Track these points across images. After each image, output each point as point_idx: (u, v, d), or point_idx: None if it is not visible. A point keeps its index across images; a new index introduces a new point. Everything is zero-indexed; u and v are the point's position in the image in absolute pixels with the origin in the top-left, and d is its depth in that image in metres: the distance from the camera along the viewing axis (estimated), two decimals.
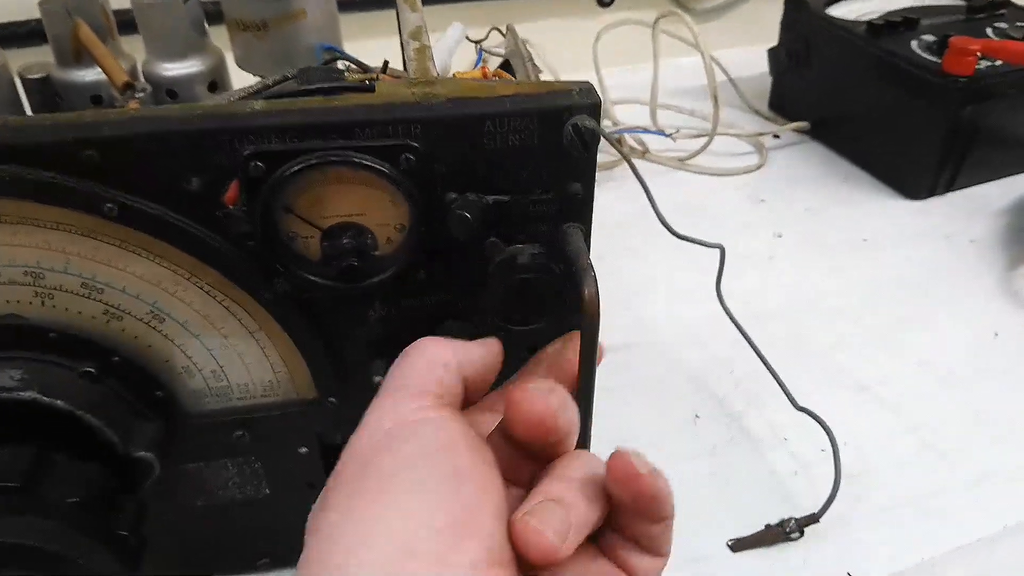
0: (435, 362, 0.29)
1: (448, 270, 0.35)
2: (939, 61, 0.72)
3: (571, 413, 0.27)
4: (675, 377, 0.58)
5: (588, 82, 0.32)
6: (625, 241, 0.70)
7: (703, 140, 0.80)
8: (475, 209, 0.31)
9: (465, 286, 0.35)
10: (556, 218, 0.34)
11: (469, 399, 0.30)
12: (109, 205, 0.30)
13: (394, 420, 0.27)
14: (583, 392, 0.34)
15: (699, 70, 0.80)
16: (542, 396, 0.26)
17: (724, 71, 0.89)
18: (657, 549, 0.27)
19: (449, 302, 0.36)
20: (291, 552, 0.43)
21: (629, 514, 0.26)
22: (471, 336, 0.35)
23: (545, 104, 0.31)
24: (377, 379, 0.37)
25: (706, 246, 0.51)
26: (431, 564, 0.22)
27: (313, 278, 0.33)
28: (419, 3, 0.40)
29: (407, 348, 0.30)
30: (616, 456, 0.25)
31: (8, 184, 0.29)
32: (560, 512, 0.25)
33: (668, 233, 0.55)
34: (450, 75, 0.40)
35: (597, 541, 0.27)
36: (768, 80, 0.91)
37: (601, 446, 0.51)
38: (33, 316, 0.33)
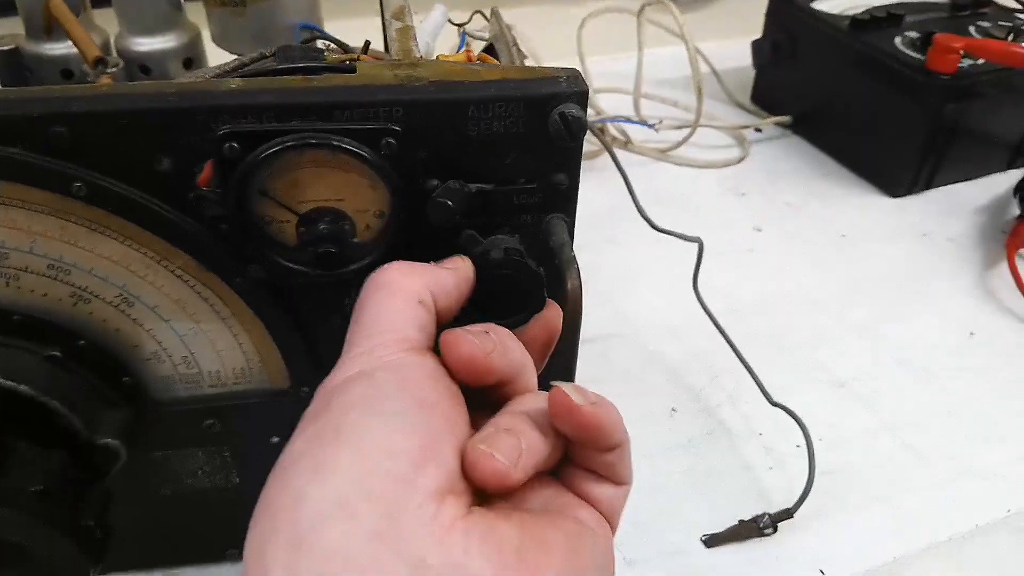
0: (410, 300, 0.27)
1: (426, 260, 0.34)
2: (922, 58, 0.72)
3: (511, 355, 0.27)
4: (653, 370, 0.57)
5: (575, 69, 0.32)
6: (605, 232, 0.70)
7: (685, 132, 0.79)
8: (457, 197, 0.31)
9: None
10: (540, 209, 0.33)
11: (440, 324, 0.29)
12: (78, 184, 0.29)
13: (360, 365, 0.26)
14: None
15: (682, 60, 0.79)
16: (471, 338, 0.26)
17: (707, 62, 0.89)
18: (616, 477, 0.27)
19: None
20: None
21: (579, 446, 0.27)
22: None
23: (531, 91, 0.30)
24: None
25: (685, 239, 0.51)
26: (392, 484, 0.22)
27: (289, 264, 0.32)
28: None
29: (372, 280, 0.28)
30: (554, 391, 0.25)
31: None
32: (510, 439, 0.25)
33: (647, 229, 0.55)
34: (434, 58, 0.39)
35: (560, 476, 0.27)
36: (751, 73, 0.91)
37: None
38: None
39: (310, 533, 0.21)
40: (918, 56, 0.73)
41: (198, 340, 0.35)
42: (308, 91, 0.29)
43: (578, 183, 0.33)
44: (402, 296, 0.28)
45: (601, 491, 0.27)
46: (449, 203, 0.30)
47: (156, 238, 0.31)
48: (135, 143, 0.29)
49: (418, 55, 0.33)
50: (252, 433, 0.38)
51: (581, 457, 0.27)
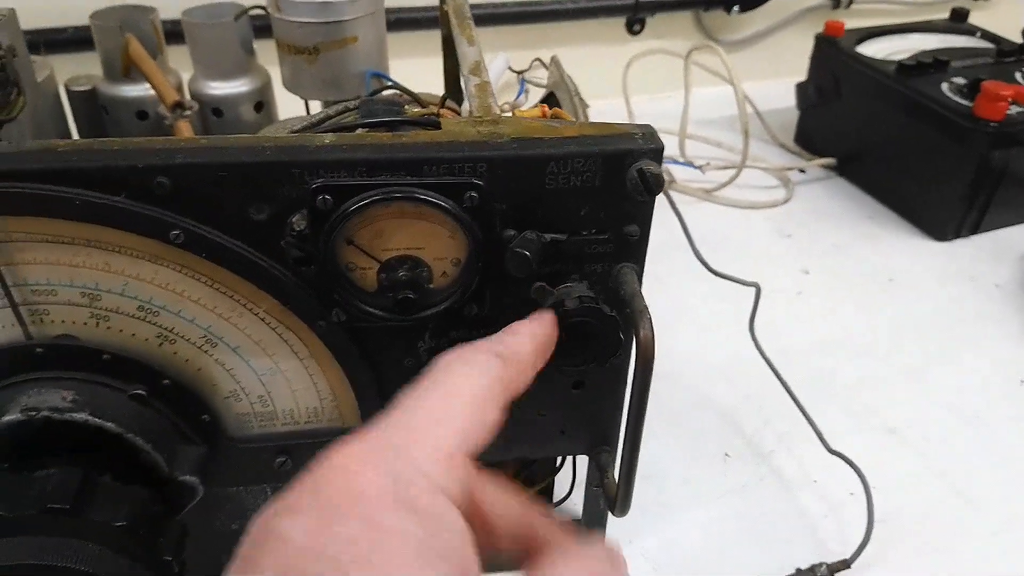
0: (458, 448, 0.25)
1: (498, 306, 0.35)
2: (969, 104, 0.72)
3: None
4: (705, 413, 0.58)
5: (650, 126, 0.33)
6: (652, 269, 0.70)
7: (730, 172, 0.80)
8: (533, 247, 0.32)
9: (515, 321, 0.35)
10: (611, 258, 0.34)
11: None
12: (175, 232, 0.30)
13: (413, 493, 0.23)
14: (631, 431, 0.34)
15: (724, 100, 0.80)
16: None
17: (751, 103, 0.89)
18: None
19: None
20: None
21: None
22: None
23: (609, 148, 0.31)
24: None
25: (743, 284, 0.52)
26: None
27: (368, 308, 0.33)
28: (475, 37, 0.41)
29: (433, 370, 0.27)
30: None
31: (77, 207, 0.29)
32: None
33: (699, 265, 0.56)
34: (502, 107, 0.40)
35: None
36: (794, 114, 0.92)
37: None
38: (87, 337, 0.33)
39: None
40: (965, 103, 0.73)
41: (275, 380, 0.36)
42: (398, 147, 0.30)
43: (648, 233, 0.33)
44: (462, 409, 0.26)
45: None
46: (527, 253, 0.31)
47: (245, 282, 0.32)
48: (233, 194, 0.30)
49: (497, 111, 0.34)
50: None
51: None
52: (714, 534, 0.49)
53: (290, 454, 0.38)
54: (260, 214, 0.30)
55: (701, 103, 0.88)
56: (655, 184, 0.31)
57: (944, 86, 0.76)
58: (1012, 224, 0.79)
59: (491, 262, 0.33)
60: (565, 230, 0.33)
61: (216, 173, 0.29)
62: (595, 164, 0.31)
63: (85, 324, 0.33)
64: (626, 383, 0.39)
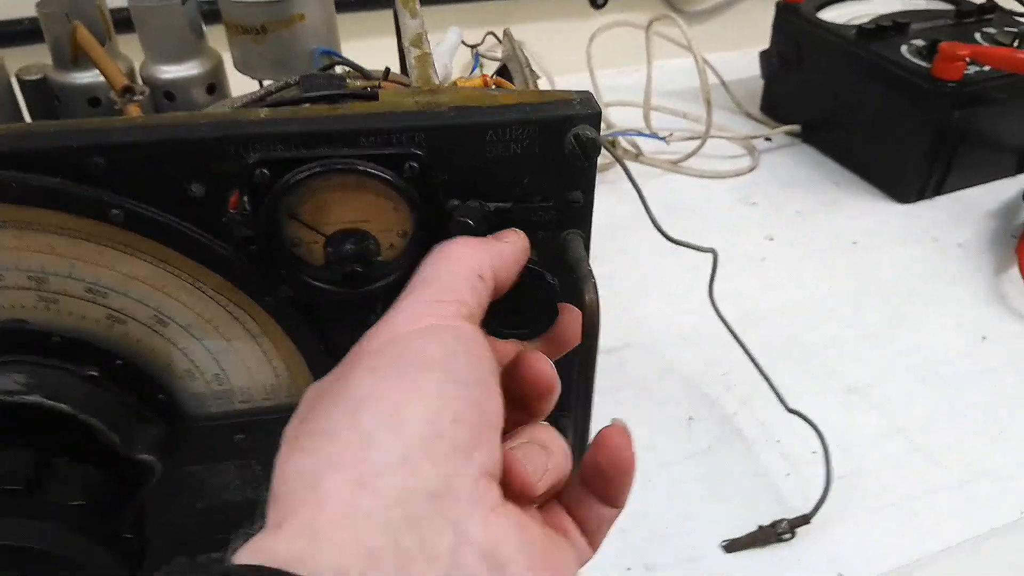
0: (472, 271, 0.28)
1: None
2: (928, 66, 0.73)
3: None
4: (669, 379, 0.58)
5: (588, 92, 0.33)
6: (618, 243, 0.71)
7: (696, 143, 0.80)
8: (476, 216, 0.32)
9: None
10: (556, 225, 0.34)
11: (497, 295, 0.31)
12: (115, 211, 0.30)
13: (433, 317, 0.26)
14: (582, 395, 0.35)
15: (691, 72, 0.81)
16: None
17: (716, 73, 0.90)
18: (617, 501, 0.29)
19: None
20: None
21: (598, 474, 0.28)
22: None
23: (547, 114, 0.31)
24: None
25: (699, 250, 0.52)
26: (454, 452, 0.23)
27: (316, 283, 0.33)
28: (418, 9, 0.41)
29: (440, 250, 0.30)
30: (615, 429, 0.28)
31: (14, 190, 0.29)
32: (542, 456, 0.26)
33: (662, 236, 0.56)
34: (451, 79, 0.41)
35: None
36: (759, 83, 0.92)
37: None
38: (36, 320, 0.33)
39: (375, 477, 0.22)
40: (924, 64, 0.73)
41: (229, 358, 0.36)
42: (334, 119, 0.30)
43: (593, 199, 0.34)
44: (467, 266, 0.29)
45: (597, 513, 0.28)
46: (469, 222, 0.31)
47: (189, 260, 0.32)
48: (169, 171, 0.30)
49: (437, 82, 0.34)
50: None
51: (594, 483, 0.28)
52: (678, 496, 0.50)
53: (248, 431, 0.38)
54: (198, 191, 0.30)
55: (667, 76, 0.88)
56: (592, 149, 0.31)
57: (903, 48, 0.76)
58: (974, 184, 0.80)
59: (437, 233, 0.33)
60: (509, 199, 0.33)
61: (152, 151, 0.29)
62: (533, 131, 0.32)
63: (34, 307, 0.33)
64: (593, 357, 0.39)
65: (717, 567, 0.46)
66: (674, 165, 0.81)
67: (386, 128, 0.30)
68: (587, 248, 0.34)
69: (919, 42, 0.77)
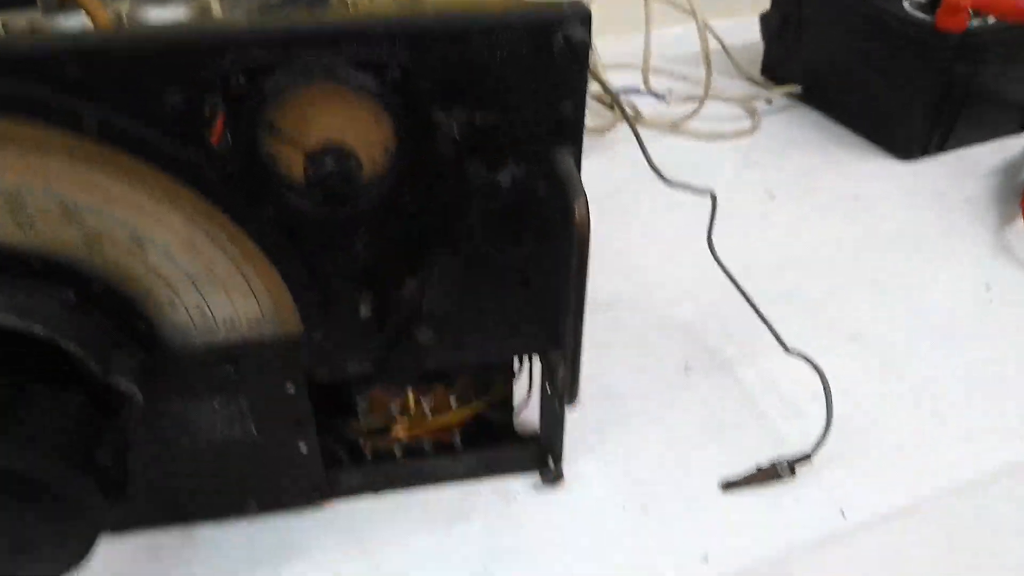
0: None
1: (433, 194, 0.34)
2: (931, 19, 0.71)
3: None
4: (666, 329, 0.57)
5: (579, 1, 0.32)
6: (616, 203, 0.70)
7: (696, 104, 0.79)
8: (463, 127, 0.31)
9: (452, 211, 0.35)
10: (546, 140, 0.33)
11: None
12: (90, 121, 0.29)
13: None
14: (574, 315, 0.34)
15: (690, 38, 0.80)
16: None
17: (716, 37, 0.88)
18: None
19: (436, 231, 0.35)
20: (280, 497, 0.43)
21: None
22: (457, 265, 0.35)
23: (535, 18, 0.31)
24: (364, 311, 0.36)
25: (697, 192, 0.51)
26: None
27: (297, 203, 0.33)
28: None
29: None
30: None
31: None
32: None
33: (660, 194, 0.55)
34: None
35: None
36: (760, 48, 0.91)
37: (594, 398, 0.51)
38: (11, 241, 0.32)
39: None
40: (927, 17, 0.72)
41: (211, 286, 0.35)
42: (314, 23, 0.29)
43: (584, 113, 0.33)
44: None
45: None
46: (455, 133, 0.31)
47: (166, 177, 0.31)
48: (145, 79, 0.29)
49: None
50: (267, 381, 0.39)
51: None
52: (675, 441, 0.49)
53: (234, 363, 0.37)
54: (174, 100, 0.30)
55: (668, 41, 0.87)
56: (582, 50, 0.30)
57: (905, 3, 0.75)
58: (978, 142, 0.79)
59: (422, 147, 0.32)
60: (497, 110, 0.32)
61: (127, 56, 0.28)
62: (521, 36, 0.31)
63: (9, 229, 0.32)
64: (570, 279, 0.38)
65: (715, 507, 0.45)
66: (673, 127, 0.80)
67: (367, 33, 0.30)
68: (578, 165, 0.33)
69: None
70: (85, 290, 0.33)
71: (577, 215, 0.31)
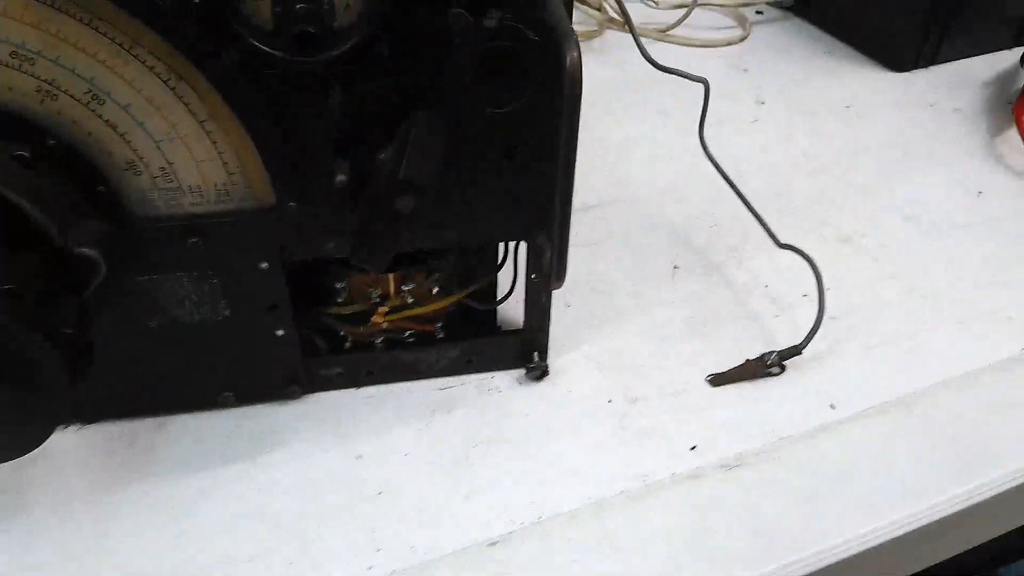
0: None
1: (412, 45, 0.32)
2: None
3: None
4: (654, 231, 0.56)
5: None
6: (603, 107, 0.68)
7: (685, 10, 0.77)
8: None
9: (431, 66, 0.32)
10: None
11: None
12: None
13: None
14: (563, 179, 0.32)
15: None
16: None
17: None
18: None
19: (416, 87, 0.33)
20: (256, 386, 0.41)
21: None
22: (438, 129, 0.33)
23: None
24: (340, 178, 0.34)
25: (690, 79, 0.49)
26: None
27: (264, 48, 0.30)
28: None
29: None
30: None
31: None
32: None
33: (649, 95, 0.53)
34: None
35: None
36: None
37: (580, 296, 0.49)
38: None
39: None
40: None
41: (175, 148, 0.33)
42: None
43: None
44: None
45: None
46: None
47: (124, 16, 0.29)
48: None
49: None
50: (239, 257, 0.37)
51: None
52: (662, 338, 0.47)
53: (202, 234, 0.35)
54: None
55: None
56: None
57: None
58: (971, 55, 0.77)
59: None
60: None
61: None
62: None
63: None
64: (558, 150, 0.36)
65: (703, 401, 0.44)
66: (662, 34, 0.78)
67: None
68: (569, 10, 0.31)
69: None
70: (38, 145, 0.31)
71: (568, 60, 0.29)
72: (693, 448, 0.41)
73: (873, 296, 0.50)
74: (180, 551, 0.37)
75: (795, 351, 0.44)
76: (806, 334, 0.45)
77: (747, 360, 0.45)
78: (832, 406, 0.44)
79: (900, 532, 0.39)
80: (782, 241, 0.49)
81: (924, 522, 0.39)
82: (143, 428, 0.42)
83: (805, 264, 0.48)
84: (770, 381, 0.45)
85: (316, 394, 0.44)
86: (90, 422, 0.42)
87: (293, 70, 0.31)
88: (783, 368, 0.45)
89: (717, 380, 0.44)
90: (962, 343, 0.47)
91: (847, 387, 0.44)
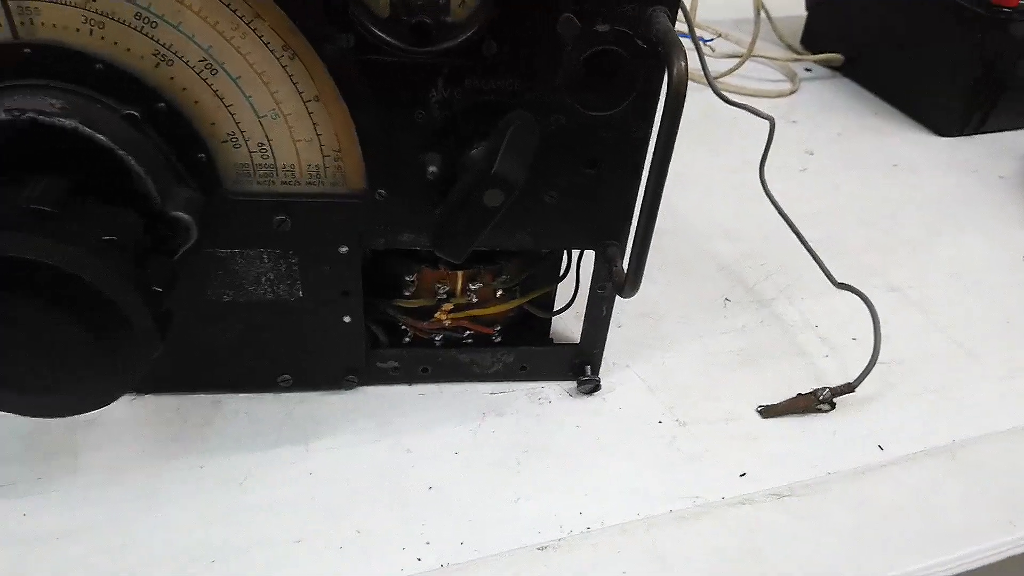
0: None
1: (519, 46, 0.33)
2: None
3: None
4: (705, 264, 0.56)
5: None
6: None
7: (738, 60, 0.78)
8: None
9: (534, 70, 0.33)
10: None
11: None
12: None
13: None
14: (654, 186, 0.33)
15: (732, 5, 0.79)
16: None
17: (760, 3, 0.88)
18: None
19: (514, 91, 0.34)
20: (315, 373, 0.42)
21: None
22: (533, 131, 0.34)
23: None
24: (432, 170, 0.35)
25: (757, 115, 0.50)
26: None
27: (380, 34, 0.31)
28: None
29: None
30: None
31: None
32: None
33: (707, 130, 0.54)
34: None
35: None
36: (800, 21, 0.90)
37: (631, 318, 0.50)
38: (79, 46, 0.31)
39: None
40: None
41: (277, 126, 0.34)
42: None
43: None
44: None
45: None
46: None
47: None
48: None
49: None
50: (321, 239, 0.37)
51: None
52: (711, 364, 0.48)
53: (289, 213, 0.36)
54: None
55: (712, 5, 0.86)
56: None
57: None
58: (1017, 128, 0.78)
59: None
60: None
61: None
62: None
63: (78, 31, 0.31)
64: (643, 163, 0.37)
65: (752, 430, 0.44)
66: (714, 80, 0.79)
67: None
68: (672, 23, 0.32)
69: None
70: (149, 107, 0.32)
71: (676, 71, 0.30)
72: (743, 475, 0.41)
73: (920, 345, 0.51)
74: (228, 527, 0.37)
75: (848, 389, 0.45)
76: (856, 375, 0.45)
77: (799, 394, 0.45)
78: (880, 447, 0.44)
79: (946, 575, 0.38)
80: (839, 281, 0.50)
81: (970, 567, 0.39)
82: (197, 403, 0.42)
83: (855, 308, 0.49)
84: (819, 417, 0.45)
85: (368, 387, 0.44)
86: (147, 393, 0.42)
87: (404, 59, 0.32)
88: (833, 405, 0.45)
89: (768, 411, 0.45)
90: (1007, 398, 0.47)
91: (895, 429, 0.45)
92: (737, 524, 0.39)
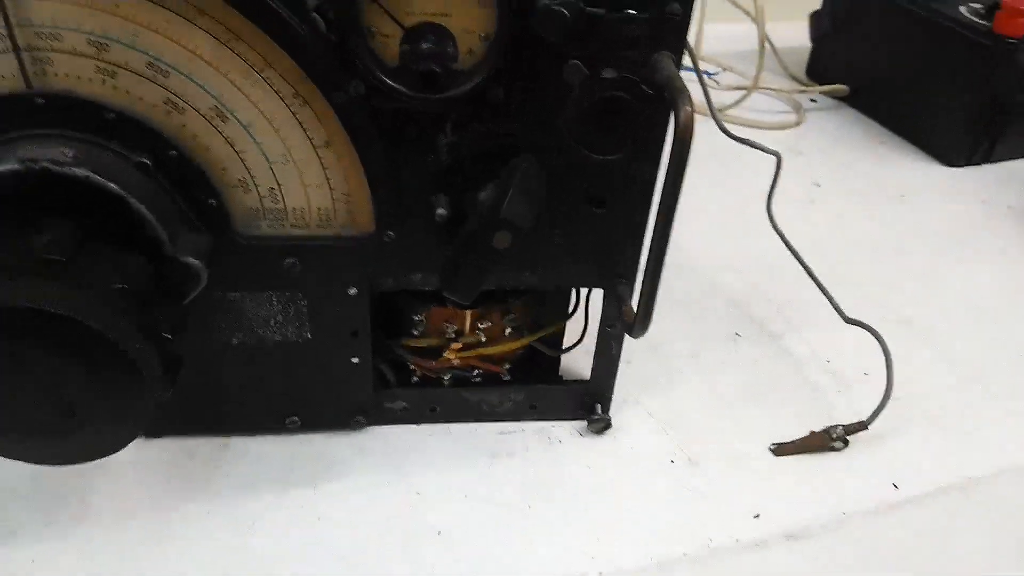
0: None
1: (527, 92, 0.33)
2: (987, 23, 0.71)
3: None
4: (714, 299, 0.56)
5: None
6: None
7: (742, 93, 0.79)
8: (571, 7, 0.30)
9: (541, 115, 0.34)
10: (649, 43, 0.32)
11: None
12: None
13: None
14: (662, 229, 0.33)
15: (737, 36, 0.80)
16: None
17: (764, 35, 0.88)
18: None
19: (521, 135, 0.34)
20: (323, 414, 0.42)
21: None
22: (539, 174, 0.34)
23: None
24: (440, 212, 0.35)
25: (764, 151, 0.50)
26: None
27: (389, 82, 0.32)
28: None
29: None
30: None
31: None
32: None
33: (712, 164, 0.54)
34: None
35: None
36: (805, 53, 0.90)
37: (639, 354, 0.49)
38: (92, 95, 0.31)
39: None
40: (984, 22, 0.72)
41: (287, 170, 0.34)
42: None
43: (690, 15, 0.32)
44: None
45: None
46: (564, 11, 0.30)
47: (261, 38, 0.30)
48: None
49: None
50: (331, 281, 0.37)
51: None
52: (723, 404, 0.47)
53: (299, 255, 0.36)
54: None
55: (717, 38, 0.87)
56: None
57: (962, 8, 0.75)
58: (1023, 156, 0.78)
59: (521, 37, 0.31)
60: (603, 4, 0.31)
61: None
62: None
63: (90, 80, 0.31)
64: (650, 202, 0.37)
65: (764, 468, 0.43)
66: (720, 113, 0.80)
67: None
68: (678, 68, 0.32)
69: (976, 4, 0.75)
70: (160, 155, 0.32)
71: (682, 116, 0.30)
72: (757, 516, 0.41)
73: (932, 380, 0.50)
74: (236, 570, 0.36)
75: (861, 426, 0.44)
76: (870, 411, 0.45)
77: (811, 432, 0.45)
78: (895, 485, 0.43)
79: None
80: (848, 316, 0.50)
81: None
82: (206, 445, 0.42)
83: (865, 342, 0.49)
84: (832, 455, 0.44)
85: (376, 428, 0.44)
86: (155, 436, 0.42)
87: (413, 106, 0.32)
88: (846, 443, 0.44)
89: (780, 450, 0.44)
90: (1019, 435, 0.47)
91: (909, 467, 0.44)
92: (751, 569, 0.38)
